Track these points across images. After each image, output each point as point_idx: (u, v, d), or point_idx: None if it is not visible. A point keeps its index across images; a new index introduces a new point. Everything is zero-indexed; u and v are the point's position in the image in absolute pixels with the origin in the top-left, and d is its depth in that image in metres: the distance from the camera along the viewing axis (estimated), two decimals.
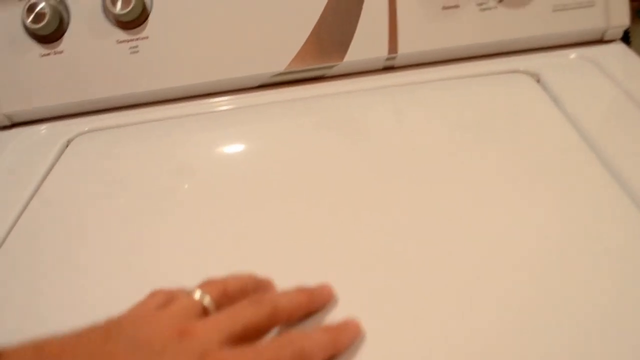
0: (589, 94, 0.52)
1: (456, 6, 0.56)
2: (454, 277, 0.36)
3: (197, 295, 0.31)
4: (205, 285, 0.33)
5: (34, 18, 0.60)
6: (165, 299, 0.31)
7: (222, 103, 0.61)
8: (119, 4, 0.59)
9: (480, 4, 0.56)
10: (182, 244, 0.44)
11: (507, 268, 0.36)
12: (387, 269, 0.38)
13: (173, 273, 0.41)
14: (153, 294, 0.32)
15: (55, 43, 0.62)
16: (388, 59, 0.58)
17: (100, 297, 0.41)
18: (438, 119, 0.52)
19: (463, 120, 0.52)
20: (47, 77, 0.62)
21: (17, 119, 0.65)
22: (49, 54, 0.62)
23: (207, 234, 0.45)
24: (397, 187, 0.46)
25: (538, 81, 0.55)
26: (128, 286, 0.40)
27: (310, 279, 0.36)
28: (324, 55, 0.58)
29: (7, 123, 0.65)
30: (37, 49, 0.62)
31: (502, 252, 0.38)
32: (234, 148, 0.57)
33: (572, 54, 0.58)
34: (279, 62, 0.59)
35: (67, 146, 0.61)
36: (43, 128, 0.65)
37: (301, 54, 0.58)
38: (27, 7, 0.61)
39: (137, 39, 0.61)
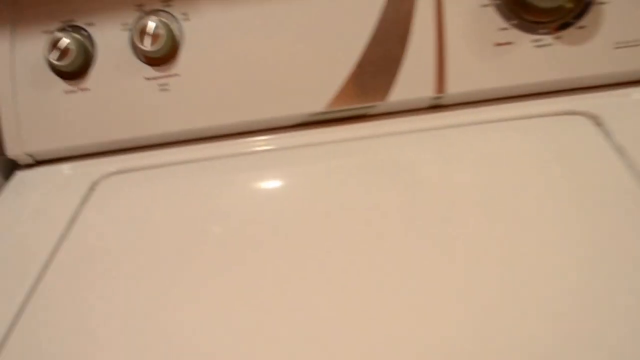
0: None
1: (509, 43, 0.52)
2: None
3: None
4: None
5: (58, 55, 0.57)
6: None
7: (257, 143, 0.58)
8: (147, 41, 0.55)
9: (536, 41, 0.52)
10: (216, 302, 0.42)
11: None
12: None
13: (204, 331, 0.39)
14: None
15: (80, 79, 0.59)
16: (435, 98, 0.54)
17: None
18: (487, 166, 0.48)
19: (514, 168, 0.48)
20: (71, 115, 0.59)
21: (39, 157, 0.61)
22: (74, 91, 0.59)
23: (241, 286, 0.43)
24: (447, 237, 0.43)
25: (598, 124, 0.50)
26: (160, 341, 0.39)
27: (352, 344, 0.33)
28: (366, 95, 0.54)
29: (30, 161, 0.62)
30: (61, 85, 0.59)
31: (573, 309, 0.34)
32: (268, 192, 0.53)
33: (636, 93, 0.53)
34: (318, 102, 0.55)
35: (93, 189, 0.57)
36: (67, 167, 0.61)
37: (342, 94, 0.54)
38: (50, 42, 0.57)
39: (167, 76, 0.57)
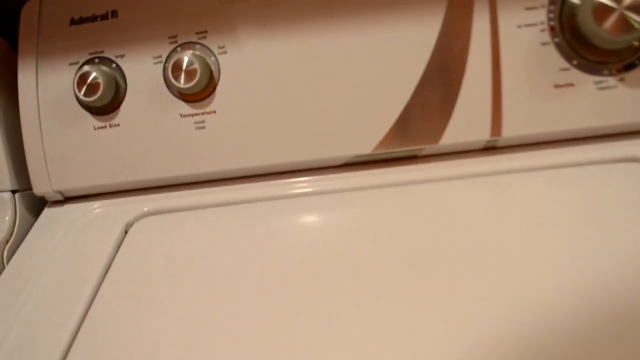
0: None
1: (570, 85, 0.49)
2: None
3: None
4: None
5: (86, 90, 0.53)
6: None
7: (297, 185, 0.55)
8: (181, 77, 0.52)
9: (598, 82, 0.49)
10: (256, 343, 0.41)
11: None
12: None
13: None
14: None
15: (110, 115, 0.56)
16: (489, 141, 0.51)
17: None
18: (539, 217, 0.46)
19: (569, 220, 0.45)
20: (101, 152, 0.56)
21: (68, 194, 0.58)
22: (103, 127, 0.55)
23: (280, 328, 0.42)
24: (494, 293, 0.40)
25: None
26: None
27: None
28: (416, 138, 0.51)
29: (60, 198, 0.59)
30: (90, 120, 0.56)
31: None
32: (306, 238, 0.50)
33: None
34: (364, 145, 0.52)
35: (126, 231, 0.54)
36: (97, 205, 0.59)
37: (390, 135, 0.51)
38: (78, 77, 0.54)
39: (204, 113, 0.54)
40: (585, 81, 0.49)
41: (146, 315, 0.45)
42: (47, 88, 0.56)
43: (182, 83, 0.52)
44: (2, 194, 0.58)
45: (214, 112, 0.54)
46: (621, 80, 0.49)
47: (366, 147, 0.52)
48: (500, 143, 0.52)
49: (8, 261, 0.55)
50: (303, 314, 0.42)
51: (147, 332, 0.43)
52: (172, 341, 0.42)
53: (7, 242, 0.56)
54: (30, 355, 0.44)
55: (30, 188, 0.58)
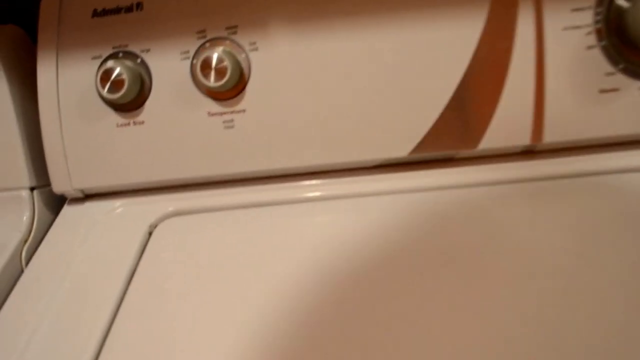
0: None
1: (615, 89, 0.47)
2: None
3: None
4: None
5: (110, 86, 0.51)
6: None
7: (330, 187, 0.53)
8: (212, 77, 0.50)
9: None
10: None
11: None
12: None
13: None
14: None
15: (134, 112, 0.53)
16: (528, 146, 0.49)
17: None
18: (580, 224, 0.45)
19: (610, 230, 0.44)
20: (124, 150, 0.54)
21: (89, 192, 0.56)
22: (127, 124, 0.53)
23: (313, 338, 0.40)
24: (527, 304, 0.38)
25: None
26: None
27: None
28: (454, 141, 0.50)
29: (80, 195, 0.57)
30: (113, 117, 0.54)
31: None
32: (338, 240, 0.49)
33: None
34: (401, 148, 0.51)
35: (150, 233, 0.52)
36: (119, 204, 0.56)
37: (427, 139, 0.50)
38: (101, 72, 0.51)
39: (233, 112, 0.52)
40: (631, 86, 0.48)
41: (175, 323, 0.43)
42: (67, 83, 0.54)
43: (211, 81, 0.50)
44: (19, 191, 0.56)
45: (244, 111, 0.52)
46: None
47: (402, 150, 0.51)
48: (538, 147, 0.50)
49: (27, 262, 0.53)
50: (334, 317, 0.41)
51: (175, 340, 0.42)
52: (201, 347, 0.41)
53: (26, 241, 0.54)
54: None
55: (48, 184, 0.56)
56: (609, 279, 0.40)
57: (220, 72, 0.50)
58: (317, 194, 0.53)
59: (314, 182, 0.54)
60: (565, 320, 0.37)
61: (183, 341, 0.42)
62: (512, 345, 0.37)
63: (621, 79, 0.48)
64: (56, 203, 0.58)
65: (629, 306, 0.37)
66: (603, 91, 0.48)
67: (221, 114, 0.52)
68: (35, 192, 0.56)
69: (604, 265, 0.41)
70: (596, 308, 0.38)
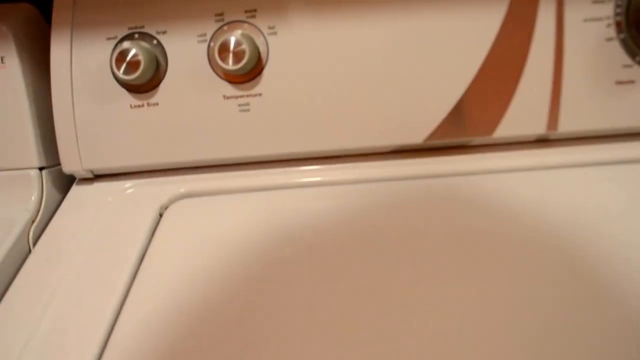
0: None
1: (632, 82, 0.48)
2: None
3: None
4: None
5: (126, 68, 0.51)
6: None
7: (344, 172, 0.53)
8: (230, 60, 0.50)
9: None
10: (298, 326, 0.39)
11: None
12: None
13: None
14: None
15: (149, 93, 0.53)
16: (543, 134, 0.50)
17: None
18: (592, 212, 0.46)
19: (619, 217, 0.44)
20: (137, 131, 0.54)
21: (99, 172, 0.56)
22: (141, 106, 0.53)
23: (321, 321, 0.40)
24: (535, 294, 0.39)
25: None
26: None
27: None
28: (470, 129, 0.50)
29: (90, 176, 0.56)
30: (127, 98, 0.53)
31: None
32: (349, 224, 0.49)
33: None
34: (417, 134, 0.51)
35: (160, 214, 0.52)
36: (129, 185, 0.56)
37: (443, 126, 0.50)
38: (117, 53, 0.51)
39: (249, 96, 0.52)
40: None
41: (183, 304, 0.42)
42: (81, 62, 0.54)
43: (230, 64, 0.50)
44: (28, 171, 0.55)
45: (260, 94, 0.52)
46: None
47: (418, 136, 0.51)
48: (553, 136, 0.51)
49: (34, 242, 0.52)
50: (343, 301, 0.41)
51: (183, 321, 0.41)
52: (214, 331, 0.41)
53: (34, 221, 0.53)
54: (62, 352, 0.41)
55: (57, 164, 0.55)
56: (617, 269, 0.40)
57: (238, 55, 0.50)
58: (330, 178, 0.53)
59: (327, 166, 0.54)
60: (568, 315, 0.38)
61: (191, 323, 0.41)
62: (507, 337, 0.37)
63: (638, 72, 0.48)
64: (65, 183, 0.57)
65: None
66: (619, 83, 0.48)
67: (237, 97, 0.52)
68: (44, 172, 0.56)
69: (608, 252, 0.41)
70: (602, 297, 0.38)
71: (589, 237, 0.43)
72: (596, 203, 0.46)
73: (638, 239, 0.42)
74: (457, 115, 0.50)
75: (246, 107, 0.52)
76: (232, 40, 0.50)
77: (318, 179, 0.53)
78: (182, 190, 0.54)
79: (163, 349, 0.39)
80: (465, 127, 0.50)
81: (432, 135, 0.51)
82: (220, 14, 0.52)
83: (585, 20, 0.48)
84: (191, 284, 0.44)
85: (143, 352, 0.39)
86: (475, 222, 0.45)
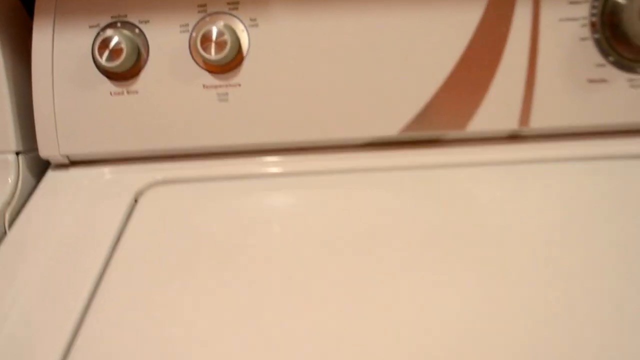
0: None
1: (603, 80, 0.49)
2: None
3: None
4: None
5: (109, 55, 0.51)
6: None
7: (317, 163, 0.53)
8: (212, 49, 0.50)
9: (631, 80, 0.49)
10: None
11: None
12: None
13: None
14: None
15: (129, 81, 0.54)
16: (515, 130, 0.50)
17: None
18: (562, 207, 0.46)
19: (589, 212, 0.45)
20: (116, 118, 0.54)
21: (75, 158, 0.56)
22: (121, 93, 0.53)
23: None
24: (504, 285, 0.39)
25: None
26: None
27: None
28: (444, 122, 0.51)
29: (65, 162, 0.56)
30: (107, 85, 0.54)
31: None
32: (323, 214, 0.49)
33: None
34: (392, 127, 0.51)
35: (136, 200, 0.52)
36: (106, 171, 0.56)
37: (419, 119, 0.51)
38: (100, 41, 0.51)
39: (228, 86, 0.52)
40: (619, 78, 0.50)
41: (160, 291, 0.42)
42: (63, 49, 0.54)
43: (212, 54, 0.50)
44: (5, 155, 0.55)
45: (239, 85, 0.52)
46: None
47: (392, 129, 0.51)
48: (525, 132, 0.52)
49: (10, 225, 0.52)
50: (317, 293, 0.41)
51: (160, 310, 0.41)
52: (186, 319, 0.41)
53: (9, 204, 0.53)
54: (33, 337, 0.40)
55: (34, 149, 0.55)
56: (590, 260, 0.41)
57: (220, 45, 0.51)
58: (305, 168, 0.53)
59: (302, 157, 0.54)
60: (550, 304, 0.38)
61: (166, 309, 0.41)
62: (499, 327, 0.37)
63: (610, 71, 0.49)
64: (40, 169, 0.57)
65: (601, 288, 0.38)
66: (592, 81, 0.49)
67: (216, 86, 0.53)
68: (20, 156, 0.56)
69: (585, 245, 0.42)
70: (579, 289, 0.39)
71: (558, 231, 0.43)
72: (566, 198, 0.46)
73: (609, 233, 0.43)
74: (432, 109, 0.51)
75: (225, 97, 0.53)
76: (214, 30, 0.51)
77: (293, 169, 0.53)
78: (159, 177, 0.55)
79: (134, 336, 0.39)
80: (439, 121, 0.51)
81: (407, 128, 0.51)
82: (203, 5, 0.53)
83: (561, 19, 0.49)
84: (164, 270, 0.44)
85: (114, 339, 0.39)
86: (445, 215, 0.46)
